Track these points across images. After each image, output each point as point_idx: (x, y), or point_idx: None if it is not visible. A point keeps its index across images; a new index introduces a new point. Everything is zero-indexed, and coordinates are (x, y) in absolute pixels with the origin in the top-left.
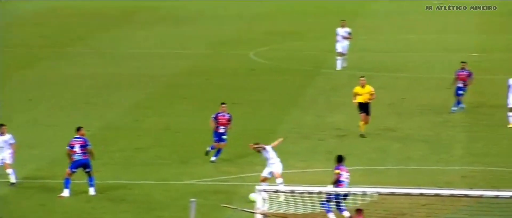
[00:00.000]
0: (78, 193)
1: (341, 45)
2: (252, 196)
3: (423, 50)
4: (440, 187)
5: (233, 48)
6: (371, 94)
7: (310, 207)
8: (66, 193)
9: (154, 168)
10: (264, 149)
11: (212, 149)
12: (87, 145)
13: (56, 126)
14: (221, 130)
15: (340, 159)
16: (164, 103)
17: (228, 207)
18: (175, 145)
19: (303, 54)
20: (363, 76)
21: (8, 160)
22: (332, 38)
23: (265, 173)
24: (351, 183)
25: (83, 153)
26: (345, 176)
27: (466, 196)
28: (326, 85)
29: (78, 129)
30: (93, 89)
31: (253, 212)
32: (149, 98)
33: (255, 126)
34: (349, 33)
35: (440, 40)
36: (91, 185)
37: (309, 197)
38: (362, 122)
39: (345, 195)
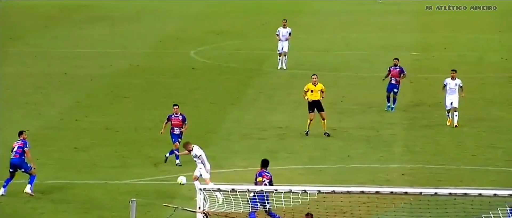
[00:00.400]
0: (17, 193)
1: (282, 45)
2: (180, 179)
3: (363, 49)
4: (380, 185)
5: (174, 47)
6: (322, 92)
7: (251, 206)
8: (1, 191)
9: (94, 168)
10: (192, 149)
11: (170, 154)
12: (25, 147)
13: None
14: (176, 131)
15: (264, 164)
16: (104, 103)
17: (169, 206)
18: (115, 144)
19: (244, 53)
20: (315, 74)
21: None
22: (273, 37)
23: (197, 172)
24: (293, 182)
25: (17, 153)
26: (265, 182)
27: (406, 193)
28: (266, 84)
29: (20, 133)
30: (32, 88)
31: (194, 211)
32: (89, 98)
33: (196, 125)
34: (290, 34)
35: (380, 39)
36: (29, 183)
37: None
38: (311, 121)
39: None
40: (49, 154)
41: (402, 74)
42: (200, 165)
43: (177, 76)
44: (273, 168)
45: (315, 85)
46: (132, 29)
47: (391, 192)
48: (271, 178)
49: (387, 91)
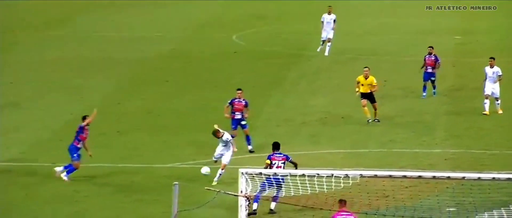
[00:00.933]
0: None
1: (327, 32)
2: (204, 170)
3: (404, 33)
4: (423, 169)
5: (216, 31)
6: (373, 86)
7: (293, 190)
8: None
9: (136, 152)
10: (223, 136)
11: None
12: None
13: (38, 109)
14: (238, 116)
15: (274, 146)
16: (146, 87)
17: (211, 189)
18: (157, 128)
19: (286, 37)
20: (367, 67)
21: None
22: (316, 21)
23: (225, 159)
24: (334, 166)
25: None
26: (278, 164)
27: (448, 178)
28: (308, 68)
29: (84, 118)
30: (74, 72)
31: (237, 195)
32: (130, 82)
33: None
34: (334, 21)
35: (421, 23)
36: (66, 169)
37: (292, 180)
38: (365, 108)
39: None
40: (91, 138)
41: (437, 63)
42: (226, 151)
43: (218, 60)
44: (314, 152)
45: (366, 79)
46: (174, 13)
47: (434, 177)
48: (286, 159)
49: (423, 80)
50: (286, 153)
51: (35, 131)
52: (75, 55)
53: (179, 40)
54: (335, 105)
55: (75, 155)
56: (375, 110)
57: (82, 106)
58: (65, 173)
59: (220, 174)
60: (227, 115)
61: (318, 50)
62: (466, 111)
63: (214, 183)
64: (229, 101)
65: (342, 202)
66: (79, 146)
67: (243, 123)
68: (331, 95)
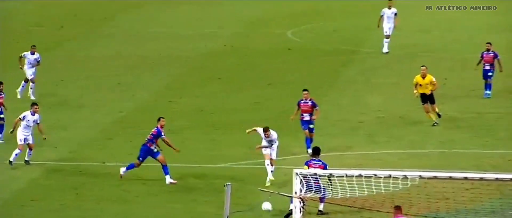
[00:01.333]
0: (112, 175)
1: (388, 26)
2: (265, 206)
3: (464, 29)
4: (485, 171)
5: (270, 27)
6: (433, 85)
7: (349, 191)
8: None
9: (188, 151)
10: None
11: (307, 144)
12: (158, 135)
13: (87, 107)
14: (306, 117)
15: (314, 152)
16: (197, 84)
17: (265, 190)
18: (209, 126)
19: (342, 34)
20: (424, 66)
21: (31, 142)
22: (373, 16)
23: (274, 154)
24: (392, 166)
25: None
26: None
27: None
28: (364, 66)
29: (157, 119)
30: (124, 69)
31: (291, 196)
32: (181, 79)
33: (291, 107)
34: (396, 14)
35: (479, 19)
36: (128, 168)
37: (348, 181)
38: (428, 113)
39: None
40: (142, 136)
41: (496, 59)
42: (271, 146)
43: (272, 57)
44: (371, 152)
45: (423, 78)
46: (227, 8)
47: (497, 178)
48: (324, 167)
49: (483, 78)
50: (324, 161)
51: (84, 130)
52: (125, 52)
53: (232, 36)
54: (393, 104)
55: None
56: (434, 111)
57: (132, 104)
58: (167, 176)
59: (272, 171)
60: (292, 117)
61: (384, 50)
62: None
63: (268, 184)
64: (297, 103)
65: (398, 209)
66: (152, 147)
67: (311, 126)
68: (388, 93)
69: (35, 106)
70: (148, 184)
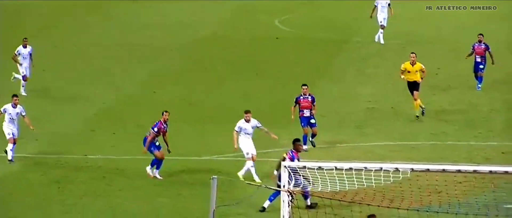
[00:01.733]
0: (94, 168)
1: (383, 16)
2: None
3: (456, 19)
4: (478, 163)
5: (257, 15)
6: (423, 72)
7: (339, 184)
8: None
9: (173, 143)
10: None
11: (304, 140)
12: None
13: (71, 98)
14: (306, 113)
15: (295, 142)
16: (183, 75)
17: (252, 184)
18: (195, 118)
19: (332, 23)
20: (413, 52)
21: (16, 135)
22: (364, 5)
23: (253, 150)
24: (383, 159)
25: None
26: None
27: (506, 172)
28: (355, 55)
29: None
30: (107, 59)
31: (279, 190)
32: (167, 69)
33: (280, 99)
34: (389, 5)
35: (471, 10)
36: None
37: (338, 174)
38: (416, 102)
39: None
40: (126, 128)
41: (487, 51)
42: (249, 139)
43: (260, 46)
44: (361, 144)
45: (412, 65)
46: None
47: (490, 171)
48: (290, 158)
49: (474, 71)
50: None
51: (66, 121)
52: (108, 42)
53: (218, 25)
54: (384, 94)
55: (151, 148)
56: (416, 100)
57: (116, 96)
58: (155, 170)
59: (252, 167)
60: (293, 117)
61: (380, 40)
62: None
63: (240, 177)
64: (294, 100)
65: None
66: (155, 143)
67: (312, 121)
68: (380, 84)
69: (15, 98)
70: (131, 177)
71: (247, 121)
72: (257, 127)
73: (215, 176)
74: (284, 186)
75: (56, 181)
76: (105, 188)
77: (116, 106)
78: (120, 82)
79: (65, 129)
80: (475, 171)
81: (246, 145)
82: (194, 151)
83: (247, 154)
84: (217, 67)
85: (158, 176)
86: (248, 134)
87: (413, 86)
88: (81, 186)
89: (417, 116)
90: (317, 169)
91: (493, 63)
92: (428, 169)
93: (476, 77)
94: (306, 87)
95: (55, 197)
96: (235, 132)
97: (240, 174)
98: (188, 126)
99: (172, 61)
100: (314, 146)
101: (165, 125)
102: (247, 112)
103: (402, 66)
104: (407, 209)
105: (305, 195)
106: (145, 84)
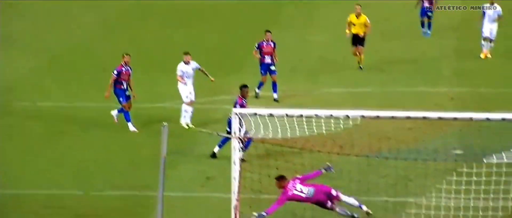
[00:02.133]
0: (43, 116)
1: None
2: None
3: None
4: (428, 110)
5: None
6: (366, 27)
7: (290, 131)
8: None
9: None
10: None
11: (260, 87)
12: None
13: (19, 46)
14: (267, 60)
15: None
16: (134, 21)
17: (203, 131)
18: (147, 64)
19: None
20: (359, 4)
21: None
22: None
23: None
24: (334, 106)
25: None
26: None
27: (455, 119)
28: (305, 3)
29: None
30: (57, 6)
31: (230, 137)
32: (118, 16)
33: (231, 46)
34: None
35: None
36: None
37: (289, 121)
38: (357, 56)
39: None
40: (77, 79)
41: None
42: (189, 82)
43: None
44: (312, 92)
45: (357, 18)
46: None
47: (439, 118)
48: (239, 104)
49: (420, 16)
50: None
51: (15, 69)
52: None
53: None
54: (336, 42)
55: (120, 98)
56: (360, 54)
57: (66, 44)
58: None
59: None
60: (256, 55)
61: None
62: (473, 48)
63: (187, 125)
64: (256, 45)
65: (282, 179)
66: (122, 88)
67: (272, 68)
68: (331, 31)
69: None
70: (82, 124)
71: (187, 62)
72: (198, 69)
73: (166, 123)
74: (234, 133)
75: (2, 130)
76: (55, 136)
77: (67, 54)
78: (70, 30)
79: (14, 76)
80: (424, 117)
81: (186, 89)
82: (146, 97)
83: (186, 97)
84: (170, 11)
85: (133, 128)
86: (188, 77)
87: (356, 39)
88: (30, 134)
89: (360, 67)
90: (268, 115)
91: (437, 8)
92: (378, 116)
93: (422, 23)
94: (270, 33)
95: (5, 145)
96: (179, 76)
97: (183, 121)
98: (140, 72)
99: (124, 7)
100: (276, 101)
101: (126, 67)
102: (186, 53)
103: (348, 19)
104: (356, 156)
105: (246, 144)
106: (95, 32)
